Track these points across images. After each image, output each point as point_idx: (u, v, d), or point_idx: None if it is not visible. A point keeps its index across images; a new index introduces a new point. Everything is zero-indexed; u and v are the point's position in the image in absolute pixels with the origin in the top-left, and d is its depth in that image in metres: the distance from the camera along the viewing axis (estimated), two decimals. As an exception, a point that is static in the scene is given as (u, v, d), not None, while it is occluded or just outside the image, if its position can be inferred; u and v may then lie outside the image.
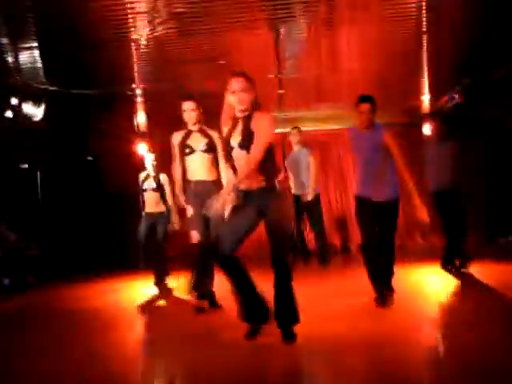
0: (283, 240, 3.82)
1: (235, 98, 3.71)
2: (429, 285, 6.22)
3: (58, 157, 9.80)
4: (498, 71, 6.45)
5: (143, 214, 6.79)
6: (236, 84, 3.71)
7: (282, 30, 5.52)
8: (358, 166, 5.05)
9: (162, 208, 6.73)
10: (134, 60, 6.22)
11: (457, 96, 7.75)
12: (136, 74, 6.74)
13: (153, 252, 6.74)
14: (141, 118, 8.98)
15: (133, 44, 5.65)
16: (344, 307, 4.94)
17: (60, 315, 5.72)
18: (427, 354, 3.70)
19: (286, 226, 3.87)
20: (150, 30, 5.24)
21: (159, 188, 6.71)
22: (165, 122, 8.89)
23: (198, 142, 5.01)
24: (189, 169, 5.08)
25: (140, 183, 6.81)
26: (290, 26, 5.43)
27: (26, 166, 9.97)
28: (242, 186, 3.79)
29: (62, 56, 5.95)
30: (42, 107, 6.81)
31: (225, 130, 3.90)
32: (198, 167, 5.03)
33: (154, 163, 6.77)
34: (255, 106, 3.78)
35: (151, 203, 6.76)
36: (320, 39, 5.90)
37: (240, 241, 3.79)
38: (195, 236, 5.02)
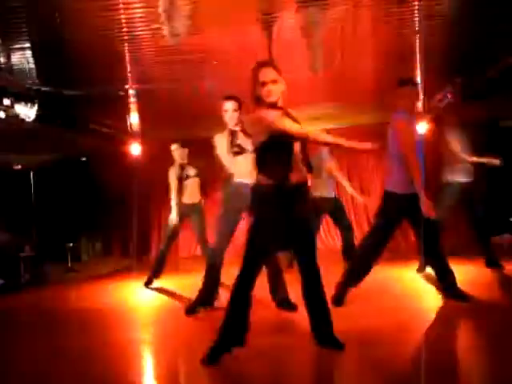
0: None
1: (266, 90, 3.52)
2: (424, 283, 6.25)
3: (51, 158, 9.78)
4: (490, 70, 6.45)
5: (175, 204, 6.79)
6: (265, 75, 3.53)
7: (275, 30, 5.51)
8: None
9: (198, 198, 6.90)
10: (127, 60, 6.19)
11: (449, 95, 7.74)
12: (129, 75, 6.72)
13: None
14: (134, 119, 8.95)
15: (126, 44, 5.63)
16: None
17: (53, 316, 5.71)
18: (420, 353, 3.72)
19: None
20: (144, 31, 5.24)
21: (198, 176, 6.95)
22: (158, 122, 8.92)
23: (246, 141, 4.85)
24: (236, 169, 4.99)
25: (177, 174, 6.88)
26: (283, 26, 5.43)
27: (19, 167, 9.96)
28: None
29: (55, 56, 5.93)
30: (35, 108, 6.77)
31: (286, 122, 3.58)
32: (246, 168, 4.81)
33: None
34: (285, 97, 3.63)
35: (192, 192, 6.91)
36: (312, 39, 5.90)
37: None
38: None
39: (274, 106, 3.57)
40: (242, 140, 4.94)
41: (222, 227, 4.96)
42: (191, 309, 5.06)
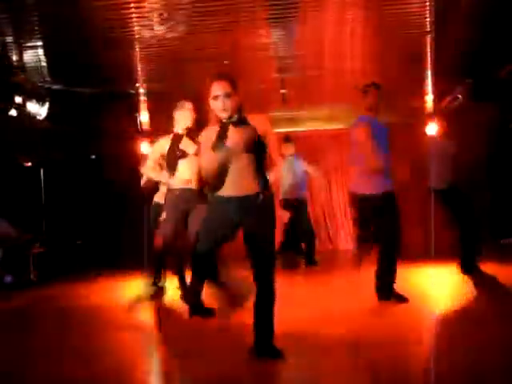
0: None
1: (218, 104, 3.45)
2: (428, 284, 6.25)
3: (61, 155, 9.85)
4: (500, 71, 6.46)
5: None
6: (218, 89, 3.45)
7: (285, 30, 5.56)
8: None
9: None
10: (138, 59, 6.26)
11: (460, 96, 7.75)
12: (139, 73, 6.79)
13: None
14: (144, 117, 9.02)
15: (136, 43, 5.69)
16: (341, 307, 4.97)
17: (62, 313, 5.74)
18: (424, 353, 3.74)
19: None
20: (154, 30, 5.30)
21: None
22: (167, 120, 8.96)
23: (189, 146, 4.95)
24: (178, 173, 5.00)
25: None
26: (292, 27, 5.47)
27: (30, 164, 10.04)
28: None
29: (66, 55, 6.00)
30: (46, 106, 6.85)
31: (208, 135, 3.56)
32: (188, 172, 4.97)
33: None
34: (241, 110, 3.56)
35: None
36: (324, 39, 5.93)
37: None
38: None
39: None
40: (184, 144, 4.95)
41: (167, 228, 4.94)
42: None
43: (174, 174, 4.93)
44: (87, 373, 3.54)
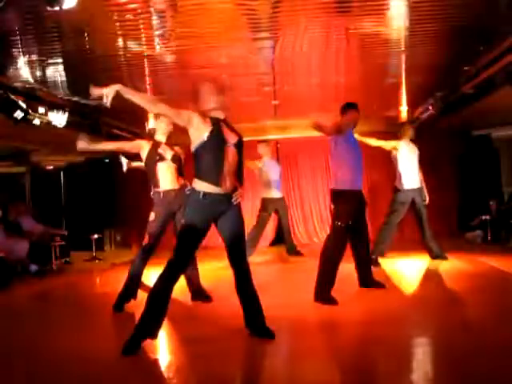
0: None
1: (214, 100, 3.58)
2: (402, 273, 6.31)
3: (78, 159, 9.88)
4: (465, 86, 6.54)
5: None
6: (214, 87, 3.61)
7: (276, 49, 5.59)
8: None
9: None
10: (146, 73, 6.28)
11: (431, 107, 7.82)
12: (148, 86, 6.81)
13: None
14: (151, 124, 9.04)
15: (145, 59, 5.73)
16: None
17: (80, 298, 5.79)
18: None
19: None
20: (160, 48, 5.34)
21: None
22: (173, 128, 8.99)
23: (166, 151, 4.92)
24: (159, 176, 4.89)
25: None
26: (284, 46, 5.51)
27: (51, 167, 10.06)
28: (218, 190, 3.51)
29: (83, 70, 6.03)
30: (66, 115, 6.87)
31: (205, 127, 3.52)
32: (168, 175, 4.91)
33: None
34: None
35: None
36: (311, 57, 5.97)
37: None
38: None
39: None
40: (163, 149, 4.88)
41: (152, 229, 4.79)
42: (118, 305, 4.75)
43: (155, 177, 4.83)
44: (99, 350, 3.58)
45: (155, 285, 3.48)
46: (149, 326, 3.42)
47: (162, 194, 4.81)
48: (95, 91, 3.55)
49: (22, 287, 6.49)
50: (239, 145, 3.61)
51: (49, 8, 3.75)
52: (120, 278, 7.09)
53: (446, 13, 4.65)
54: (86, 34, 4.92)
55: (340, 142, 4.86)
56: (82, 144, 4.59)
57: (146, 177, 5.01)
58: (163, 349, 3.68)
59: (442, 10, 4.59)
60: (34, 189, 9.89)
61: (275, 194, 7.90)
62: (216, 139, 3.51)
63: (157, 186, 4.84)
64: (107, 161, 10.36)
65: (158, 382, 3.07)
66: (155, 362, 3.39)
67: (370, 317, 4.21)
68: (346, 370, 3.09)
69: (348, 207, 4.76)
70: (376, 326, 3.92)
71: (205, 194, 3.48)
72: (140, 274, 4.85)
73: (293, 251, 8.12)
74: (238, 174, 3.62)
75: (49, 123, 6.67)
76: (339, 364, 3.23)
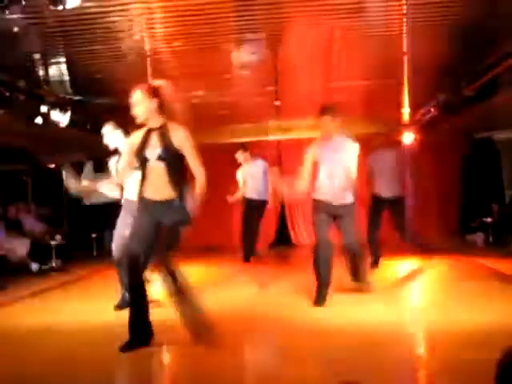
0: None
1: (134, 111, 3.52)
2: (398, 276, 6.31)
3: (80, 158, 9.88)
4: (468, 88, 6.55)
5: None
6: (132, 97, 3.51)
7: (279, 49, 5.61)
8: None
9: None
10: (149, 73, 6.30)
11: (433, 109, 7.82)
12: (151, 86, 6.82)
13: None
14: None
15: (148, 59, 5.75)
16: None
17: (81, 296, 5.81)
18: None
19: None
20: (164, 47, 5.36)
21: None
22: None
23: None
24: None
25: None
26: (287, 47, 5.53)
27: (53, 165, 10.07)
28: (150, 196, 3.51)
29: (85, 70, 6.05)
30: (68, 114, 6.89)
31: (134, 140, 3.58)
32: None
33: None
34: (166, 116, 3.52)
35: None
36: (313, 57, 5.99)
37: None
38: None
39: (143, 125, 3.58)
40: None
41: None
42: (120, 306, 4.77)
43: None
44: (100, 352, 3.59)
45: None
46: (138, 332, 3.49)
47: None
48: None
49: (22, 286, 6.51)
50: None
51: (52, 7, 3.77)
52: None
53: (449, 14, 4.67)
54: (88, 33, 4.94)
55: None
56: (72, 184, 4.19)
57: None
58: (170, 348, 3.70)
59: (444, 11, 4.61)
60: (36, 188, 9.91)
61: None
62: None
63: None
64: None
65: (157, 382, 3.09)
66: (160, 362, 3.40)
67: (367, 319, 4.23)
68: (341, 371, 3.11)
69: None
70: (373, 328, 3.93)
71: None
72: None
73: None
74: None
75: (51, 122, 6.68)
76: (333, 366, 3.24)
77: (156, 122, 3.52)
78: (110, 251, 4.78)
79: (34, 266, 7.23)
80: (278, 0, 4.37)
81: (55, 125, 6.76)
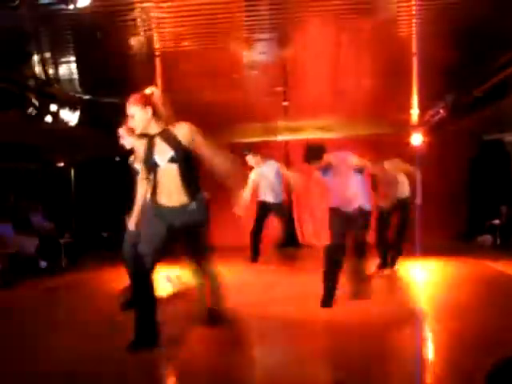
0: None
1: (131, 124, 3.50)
2: (405, 278, 6.29)
3: (89, 157, 9.95)
4: (477, 89, 6.51)
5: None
6: (127, 111, 3.47)
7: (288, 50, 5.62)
8: None
9: None
10: (157, 73, 6.33)
11: (442, 110, 7.79)
12: (159, 84, 6.85)
13: None
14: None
15: (156, 59, 5.77)
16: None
17: (88, 294, 5.84)
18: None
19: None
20: (172, 47, 5.38)
21: None
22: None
23: None
24: None
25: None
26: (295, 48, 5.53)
27: (62, 164, 10.14)
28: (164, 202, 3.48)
29: (95, 69, 6.09)
30: (77, 113, 6.92)
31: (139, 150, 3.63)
32: None
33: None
34: (164, 121, 3.48)
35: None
36: (322, 59, 5.99)
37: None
38: None
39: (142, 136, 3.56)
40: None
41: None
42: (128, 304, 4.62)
43: None
44: (107, 350, 3.60)
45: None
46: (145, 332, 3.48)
47: None
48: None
49: (31, 283, 6.55)
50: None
51: (63, 6, 3.79)
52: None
53: (458, 14, 4.64)
54: (99, 33, 4.97)
55: None
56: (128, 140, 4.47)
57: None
58: (176, 347, 3.71)
59: (454, 12, 4.59)
60: (45, 186, 9.97)
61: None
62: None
63: None
64: (118, 159, 10.42)
65: (162, 381, 3.09)
66: (166, 360, 3.42)
67: (375, 319, 4.22)
68: (347, 372, 3.10)
69: None
70: (380, 328, 3.92)
71: None
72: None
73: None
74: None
75: (61, 120, 6.72)
76: (341, 366, 3.24)
77: (155, 128, 3.49)
78: (120, 251, 4.77)
79: (43, 264, 7.27)
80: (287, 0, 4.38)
81: (65, 123, 6.79)
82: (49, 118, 6.46)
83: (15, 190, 8.68)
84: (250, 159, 7.57)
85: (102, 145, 9.22)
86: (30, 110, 6.06)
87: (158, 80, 6.62)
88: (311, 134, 9.50)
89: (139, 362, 3.32)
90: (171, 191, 3.44)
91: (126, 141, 4.82)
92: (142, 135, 3.50)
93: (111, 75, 6.31)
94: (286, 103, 8.05)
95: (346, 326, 4.04)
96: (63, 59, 5.69)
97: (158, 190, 3.48)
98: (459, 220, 9.82)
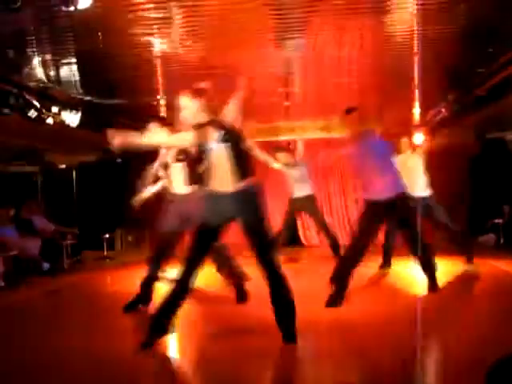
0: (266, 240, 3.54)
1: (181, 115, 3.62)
2: (408, 279, 6.27)
3: (91, 158, 9.95)
4: (479, 88, 6.50)
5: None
6: (178, 102, 3.62)
7: (289, 49, 5.61)
8: None
9: None
10: (159, 74, 6.33)
11: (444, 110, 7.78)
12: (160, 86, 6.85)
13: None
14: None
15: (158, 60, 5.77)
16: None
17: (90, 296, 5.84)
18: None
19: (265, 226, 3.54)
20: (174, 47, 5.38)
21: None
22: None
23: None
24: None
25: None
26: (296, 46, 5.52)
27: (64, 166, 10.14)
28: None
29: (96, 71, 6.09)
30: (79, 115, 6.93)
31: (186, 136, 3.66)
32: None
33: None
34: (212, 114, 3.59)
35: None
36: (324, 58, 5.98)
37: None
38: None
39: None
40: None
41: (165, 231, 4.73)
42: (130, 305, 4.71)
43: None
44: (109, 351, 3.60)
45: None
46: (163, 322, 3.51)
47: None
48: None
49: (34, 285, 6.56)
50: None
51: (64, 8, 3.79)
52: (130, 278, 7.16)
53: (460, 14, 4.64)
54: (100, 34, 4.97)
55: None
56: (118, 139, 4.17)
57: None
58: (178, 348, 3.71)
59: (455, 12, 4.59)
60: (47, 188, 9.98)
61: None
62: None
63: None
64: (119, 161, 10.42)
65: (169, 381, 3.09)
66: (167, 361, 3.42)
67: (375, 319, 4.21)
68: (348, 371, 3.10)
69: None
70: (380, 328, 3.92)
71: None
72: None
73: None
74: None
75: (62, 122, 6.72)
76: (344, 366, 3.23)
77: (205, 118, 3.61)
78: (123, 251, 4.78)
79: (46, 266, 7.28)
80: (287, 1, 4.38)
81: (66, 125, 6.79)
82: (50, 120, 6.47)
83: (17, 193, 8.70)
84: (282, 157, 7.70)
85: (103, 147, 9.25)
86: (32, 111, 6.07)
87: (159, 80, 6.62)
88: (312, 134, 9.49)
89: (140, 362, 3.32)
90: (223, 176, 3.49)
91: (154, 137, 4.71)
92: (193, 125, 3.59)
93: (112, 76, 6.32)
94: (287, 103, 8.05)
95: (346, 326, 4.03)
96: (65, 61, 5.70)
97: (211, 176, 3.53)
98: (460, 219, 9.78)
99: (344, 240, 9.57)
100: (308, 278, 6.35)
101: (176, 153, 4.72)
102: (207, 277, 5.02)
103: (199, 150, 3.57)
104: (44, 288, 6.36)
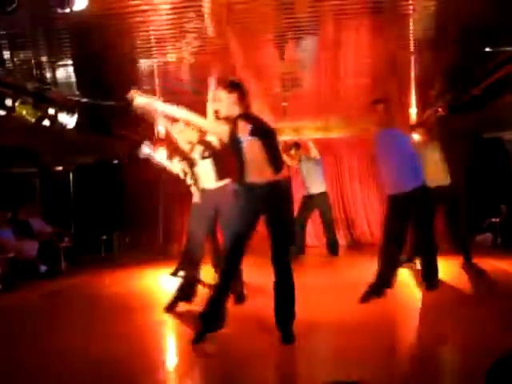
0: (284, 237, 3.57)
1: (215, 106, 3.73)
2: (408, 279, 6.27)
3: (87, 160, 9.94)
4: (475, 88, 6.52)
5: None
6: (212, 94, 3.75)
7: (287, 51, 5.61)
8: None
9: None
10: (156, 75, 6.32)
11: (440, 109, 7.79)
12: (157, 88, 6.84)
13: None
14: (160, 127, 9.06)
15: (155, 61, 5.76)
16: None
17: (87, 299, 5.83)
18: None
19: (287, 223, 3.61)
20: (171, 48, 5.37)
21: None
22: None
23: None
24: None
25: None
26: (294, 47, 5.53)
27: (61, 168, 10.12)
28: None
29: (93, 72, 6.08)
30: (75, 116, 6.92)
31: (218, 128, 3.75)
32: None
33: None
34: (245, 108, 3.61)
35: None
36: (321, 58, 5.99)
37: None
38: None
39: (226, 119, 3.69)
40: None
41: (193, 227, 4.74)
42: (170, 306, 4.69)
43: None
44: (107, 352, 3.60)
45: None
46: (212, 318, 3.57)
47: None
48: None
49: (31, 287, 6.54)
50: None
51: (59, 10, 3.78)
52: (128, 280, 7.16)
53: (456, 14, 4.65)
54: (95, 36, 4.96)
55: None
56: (141, 99, 4.19)
57: (158, 178, 4.95)
58: (177, 348, 3.70)
59: (452, 12, 4.60)
60: (44, 190, 9.96)
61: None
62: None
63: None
64: (116, 162, 10.41)
65: (169, 381, 3.09)
66: (166, 361, 3.41)
67: (374, 319, 4.21)
68: (348, 371, 3.09)
69: None
70: (380, 328, 3.92)
71: None
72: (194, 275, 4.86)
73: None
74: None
75: (59, 124, 6.70)
76: (347, 366, 3.23)
77: (238, 111, 3.63)
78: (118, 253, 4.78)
79: (43, 268, 7.26)
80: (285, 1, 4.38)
81: (63, 127, 6.78)
82: (47, 122, 6.45)
83: (15, 195, 8.68)
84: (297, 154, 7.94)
85: (100, 148, 9.24)
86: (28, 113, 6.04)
87: (156, 81, 6.61)
88: (310, 135, 9.49)
89: (138, 362, 3.32)
90: (257, 167, 3.53)
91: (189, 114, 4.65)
92: (226, 118, 3.65)
93: (108, 78, 6.31)
94: (285, 104, 8.04)
95: (346, 326, 4.03)
96: (61, 63, 5.69)
97: (245, 168, 3.55)
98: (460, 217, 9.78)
99: (343, 241, 9.65)
100: (308, 278, 6.34)
101: (202, 150, 4.74)
102: (206, 277, 5.00)
103: (231, 143, 3.62)
104: (42, 290, 6.34)
